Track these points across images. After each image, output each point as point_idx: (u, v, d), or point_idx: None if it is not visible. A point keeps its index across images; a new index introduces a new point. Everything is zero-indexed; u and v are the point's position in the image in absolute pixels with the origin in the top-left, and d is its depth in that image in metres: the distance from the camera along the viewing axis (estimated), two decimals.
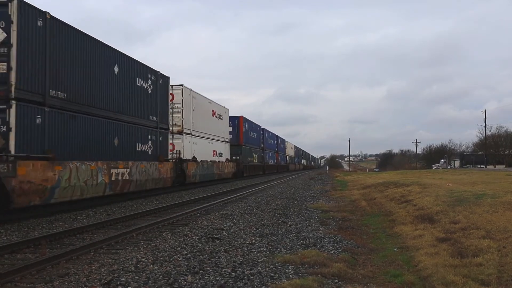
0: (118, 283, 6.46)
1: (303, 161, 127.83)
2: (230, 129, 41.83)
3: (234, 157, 41.24)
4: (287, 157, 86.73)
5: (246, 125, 47.28)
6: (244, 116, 46.46)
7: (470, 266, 7.09)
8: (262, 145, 57.03)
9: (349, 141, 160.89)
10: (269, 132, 64.65)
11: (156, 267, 7.36)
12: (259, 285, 6.45)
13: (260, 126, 56.96)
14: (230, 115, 41.70)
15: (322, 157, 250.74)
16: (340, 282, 6.67)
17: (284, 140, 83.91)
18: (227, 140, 38.11)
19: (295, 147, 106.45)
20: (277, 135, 72.88)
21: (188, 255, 8.31)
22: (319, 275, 6.90)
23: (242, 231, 11.02)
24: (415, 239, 9.62)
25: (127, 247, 9.24)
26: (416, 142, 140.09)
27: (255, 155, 51.70)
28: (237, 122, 44.84)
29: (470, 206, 11.81)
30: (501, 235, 8.63)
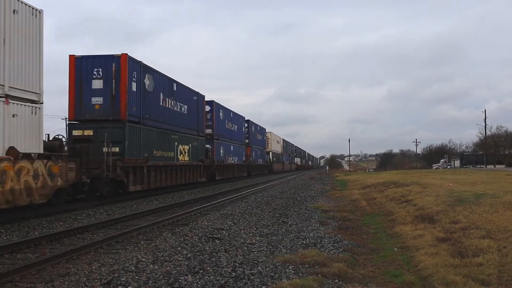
0: (118, 283, 6.46)
1: (297, 159, 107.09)
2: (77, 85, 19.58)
3: (116, 148, 18.79)
4: (270, 153, 64.60)
5: (147, 81, 21.91)
6: (133, 57, 20.40)
7: (471, 266, 7.09)
8: (209, 131, 33.98)
9: (349, 141, 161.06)
10: (226, 109, 39.60)
11: (156, 267, 7.36)
12: (259, 285, 6.45)
13: (201, 96, 31.30)
14: (104, 52, 21.50)
15: (322, 157, 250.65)
16: (340, 282, 6.66)
17: (264, 129, 60.10)
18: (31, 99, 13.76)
19: (284, 141, 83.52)
20: (248, 120, 48.63)
21: (189, 255, 8.31)
22: (319, 275, 6.89)
23: (242, 231, 11.02)
24: (415, 239, 9.62)
25: (127, 247, 9.24)
26: (416, 142, 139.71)
27: (184, 147, 27.02)
28: (114, 68, 19.70)
29: (470, 206, 11.81)
30: (501, 235, 8.63)
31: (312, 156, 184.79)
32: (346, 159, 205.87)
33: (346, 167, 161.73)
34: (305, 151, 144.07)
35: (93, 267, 7.44)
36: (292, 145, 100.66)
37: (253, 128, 51.67)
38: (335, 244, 9.47)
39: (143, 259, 7.90)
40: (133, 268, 7.31)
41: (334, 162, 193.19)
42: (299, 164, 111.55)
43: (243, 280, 6.62)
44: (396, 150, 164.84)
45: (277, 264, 7.62)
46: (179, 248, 8.88)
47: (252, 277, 6.80)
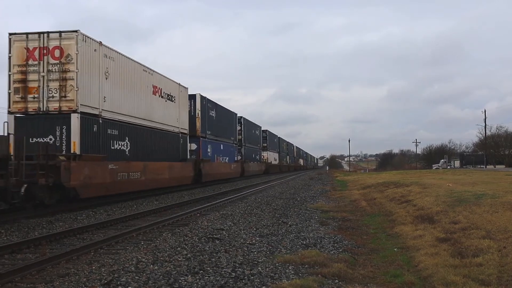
0: (118, 283, 6.46)
1: (271, 155, 63.61)
2: None
3: None
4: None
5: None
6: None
7: (470, 266, 7.09)
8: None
9: (349, 141, 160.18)
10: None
11: (156, 267, 7.37)
12: (259, 285, 6.45)
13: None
14: None
15: (322, 157, 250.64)
16: (340, 282, 6.67)
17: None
18: None
19: (219, 107, 35.38)
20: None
21: (188, 255, 8.31)
22: (319, 275, 6.90)
23: (242, 231, 11.02)
24: (415, 239, 9.62)
25: (127, 247, 9.25)
26: (416, 142, 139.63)
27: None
28: None
29: (470, 206, 11.81)
30: (501, 235, 8.63)
31: (307, 154, 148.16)
32: (346, 159, 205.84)
33: (346, 167, 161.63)
34: (293, 144, 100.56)
35: (93, 267, 7.44)
36: (256, 125, 54.19)
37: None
38: (335, 245, 9.47)
39: (143, 260, 7.90)
40: (133, 268, 7.31)
41: (334, 162, 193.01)
42: (278, 163, 70.22)
43: (243, 281, 6.62)
44: (396, 150, 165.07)
45: (277, 264, 7.62)
46: (179, 249, 8.87)
47: (252, 277, 6.80)
